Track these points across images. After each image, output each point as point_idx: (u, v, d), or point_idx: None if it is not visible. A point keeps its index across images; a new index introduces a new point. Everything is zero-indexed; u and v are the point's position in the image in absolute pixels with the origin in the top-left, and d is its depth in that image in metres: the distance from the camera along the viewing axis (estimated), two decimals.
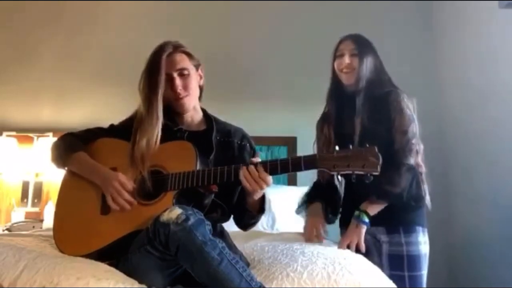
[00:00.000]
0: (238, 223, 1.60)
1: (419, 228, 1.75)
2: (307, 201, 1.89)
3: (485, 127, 2.66)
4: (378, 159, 1.27)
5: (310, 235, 1.74)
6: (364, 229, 1.67)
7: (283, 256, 1.44)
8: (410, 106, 1.77)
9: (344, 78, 1.84)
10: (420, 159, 1.73)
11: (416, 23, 3.30)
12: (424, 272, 1.73)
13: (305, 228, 1.81)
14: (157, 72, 1.48)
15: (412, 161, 1.69)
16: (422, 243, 1.74)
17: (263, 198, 1.49)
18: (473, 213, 2.77)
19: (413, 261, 1.71)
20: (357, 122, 1.79)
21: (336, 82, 1.89)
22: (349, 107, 1.83)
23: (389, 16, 3.24)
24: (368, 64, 1.81)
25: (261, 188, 1.37)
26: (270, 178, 1.37)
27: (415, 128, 1.74)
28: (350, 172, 1.30)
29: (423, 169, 1.74)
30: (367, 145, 1.30)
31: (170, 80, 1.52)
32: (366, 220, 1.67)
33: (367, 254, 1.71)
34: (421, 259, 1.72)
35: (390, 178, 1.64)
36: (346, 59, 1.81)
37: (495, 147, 2.54)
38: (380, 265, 1.75)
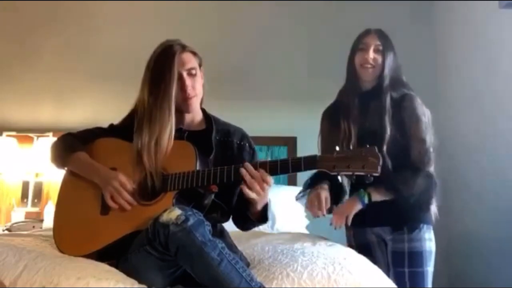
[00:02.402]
0: (238, 225, 1.60)
1: (423, 225, 1.73)
2: (313, 184, 1.80)
3: (485, 128, 2.66)
4: (378, 160, 1.26)
5: (312, 205, 1.67)
6: (359, 207, 1.65)
7: (283, 256, 1.44)
8: (425, 113, 1.74)
9: (364, 73, 1.78)
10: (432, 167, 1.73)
11: (416, 23, 3.30)
12: (428, 268, 1.71)
13: (308, 199, 1.73)
14: (170, 71, 1.47)
15: (431, 169, 1.69)
16: (426, 240, 1.72)
17: (265, 207, 1.48)
18: (472, 214, 2.77)
19: (414, 257, 1.70)
20: (385, 122, 1.72)
21: (353, 76, 1.81)
22: (368, 104, 1.78)
23: (389, 16, 3.23)
24: (392, 61, 1.77)
25: (262, 189, 1.36)
26: (270, 179, 1.36)
27: (430, 135, 1.72)
28: (350, 173, 1.30)
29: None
30: (368, 146, 1.30)
31: (179, 80, 1.51)
32: (366, 201, 1.65)
33: (372, 256, 1.71)
34: (424, 255, 1.71)
35: (406, 179, 1.65)
36: (371, 54, 1.75)
37: (495, 149, 2.54)
38: (385, 264, 1.75)
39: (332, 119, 1.86)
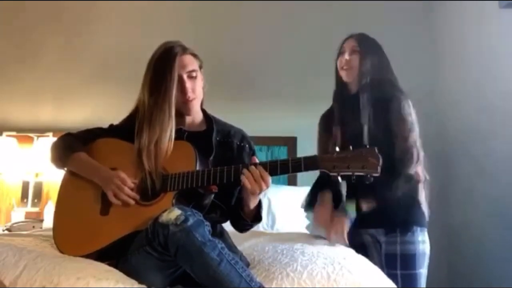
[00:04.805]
0: (234, 226, 1.61)
1: (417, 228, 1.74)
2: (315, 193, 1.84)
3: (485, 128, 2.66)
4: (378, 160, 1.27)
5: (320, 222, 1.72)
6: (346, 221, 1.67)
7: (283, 256, 1.44)
8: (412, 114, 1.75)
9: (344, 75, 1.83)
10: (420, 168, 1.73)
11: (416, 23, 3.30)
12: (421, 271, 1.73)
13: (315, 216, 1.78)
14: (171, 74, 1.47)
15: (411, 170, 1.69)
16: (419, 242, 1.73)
17: (258, 207, 1.49)
18: (472, 214, 2.77)
19: (406, 259, 1.71)
20: (363, 120, 1.75)
21: (339, 81, 1.88)
22: (353, 107, 1.80)
23: (389, 16, 3.24)
24: (370, 62, 1.79)
25: (261, 189, 1.36)
26: (269, 179, 1.36)
27: (415, 136, 1.73)
28: (350, 173, 1.30)
29: (421, 177, 1.74)
30: (367, 146, 1.30)
31: (179, 82, 1.51)
32: (353, 215, 1.67)
33: (367, 255, 1.72)
34: (416, 258, 1.72)
35: (386, 184, 1.64)
36: (346, 56, 1.81)
37: (496, 148, 2.54)
38: (379, 265, 1.75)
39: (325, 124, 1.92)
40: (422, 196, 1.76)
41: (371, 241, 1.82)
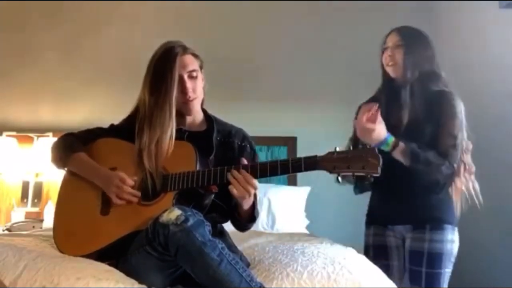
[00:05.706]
0: (235, 226, 1.60)
1: (448, 226, 1.70)
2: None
3: (486, 128, 2.65)
4: (378, 161, 1.26)
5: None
6: (380, 137, 1.57)
7: (283, 256, 1.44)
8: (462, 110, 1.73)
9: (390, 71, 1.80)
10: (469, 158, 1.71)
11: (416, 24, 3.29)
12: (447, 270, 1.69)
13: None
14: (171, 74, 1.47)
15: (455, 165, 1.68)
16: (448, 241, 1.70)
17: (253, 207, 1.49)
18: (474, 215, 2.76)
19: (433, 258, 1.68)
20: (403, 115, 1.72)
21: (386, 77, 1.84)
22: (399, 101, 1.76)
23: (389, 16, 3.23)
24: (415, 55, 1.75)
25: (249, 193, 1.36)
26: (255, 181, 1.36)
27: (463, 133, 1.71)
28: (350, 173, 1.30)
29: (473, 168, 1.71)
30: (368, 147, 1.30)
31: (180, 82, 1.51)
32: (387, 148, 1.59)
33: (387, 258, 1.72)
34: (444, 257, 1.68)
35: (430, 158, 1.62)
36: (389, 52, 1.78)
37: (497, 149, 2.54)
38: (400, 267, 1.75)
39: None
40: (476, 188, 1.71)
41: (394, 244, 1.79)
